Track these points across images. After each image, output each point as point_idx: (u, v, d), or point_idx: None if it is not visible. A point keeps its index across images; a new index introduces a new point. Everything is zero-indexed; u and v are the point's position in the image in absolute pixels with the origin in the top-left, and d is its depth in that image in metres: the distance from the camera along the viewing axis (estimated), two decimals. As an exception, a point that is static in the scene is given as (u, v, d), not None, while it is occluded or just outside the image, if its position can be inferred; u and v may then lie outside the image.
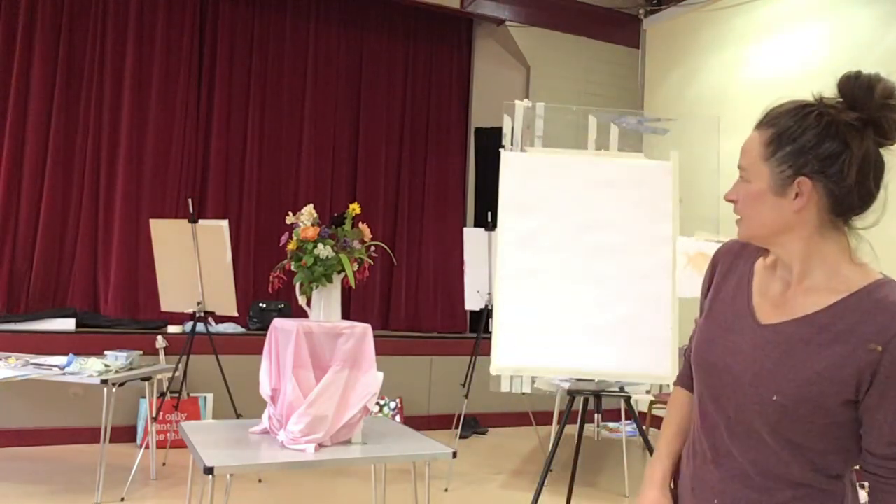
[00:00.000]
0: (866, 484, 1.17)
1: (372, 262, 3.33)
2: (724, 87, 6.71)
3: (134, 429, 5.45)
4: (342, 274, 3.11)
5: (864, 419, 1.13)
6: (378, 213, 7.06)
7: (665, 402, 6.03)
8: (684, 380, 1.45)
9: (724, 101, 6.66)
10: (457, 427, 5.74)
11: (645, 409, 6.16)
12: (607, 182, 3.48)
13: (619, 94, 7.65)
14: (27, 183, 5.86)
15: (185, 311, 4.67)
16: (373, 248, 3.32)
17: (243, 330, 6.21)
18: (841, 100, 1.17)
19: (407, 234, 7.28)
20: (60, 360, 4.27)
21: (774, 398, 1.14)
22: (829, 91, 1.23)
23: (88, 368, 4.07)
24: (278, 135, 6.79)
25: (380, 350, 3.11)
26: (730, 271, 1.33)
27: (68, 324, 5.55)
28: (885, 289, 1.14)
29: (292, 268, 3.14)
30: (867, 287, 1.15)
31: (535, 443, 6.11)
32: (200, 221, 4.51)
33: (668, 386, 3.53)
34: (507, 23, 7.24)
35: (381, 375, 2.99)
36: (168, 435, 5.27)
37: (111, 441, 4.95)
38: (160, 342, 5.44)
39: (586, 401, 3.36)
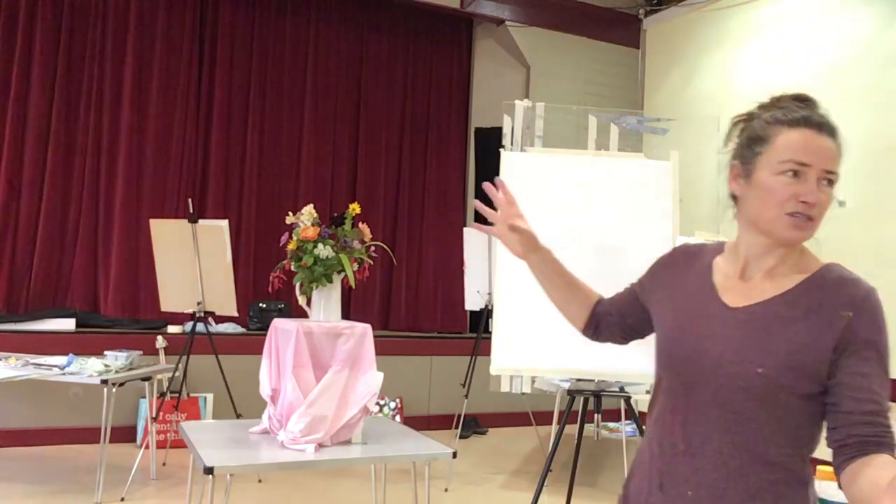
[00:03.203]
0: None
1: (372, 262, 3.33)
2: (723, 87, 6.71)
3: (134, 429, 5.45)
4: (342, 274, 3.11)
5: (839, 380, 1.19)
6: (378, 213, 7.06)
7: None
8: (604, 300, 1.56)
9: (723, 101, 6.66)
10: (457, 427, 5.74)
11: (645, 408, 6.16)
12: (607, 182, 3.48)
13: (619, 94, 7.65)
14: (27, 183, 5.86)
15: (185, 311, 4.67)
16: (373, 248, 3.32)
17: (243, 330, 6.21)
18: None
19: (407, 234, 7.28)
20: (60, 360, 4.27)
21: (759, 370, 1.20)
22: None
23: (88, 368, 4.07)
24: (278, 135, 6.78)
25: (380, 350, 3.11)
26: (688, 269, 1.40)
27: (68, 324, 5.55)
28: (837, 268, 1.28)
29: (292, 268, 3.14)
30: (822, 268, 1.28)
31: (535, 443, 6.11)
32: (200, 221, 4.51)
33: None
34: (507, 23, 7.24)
35: (381, 375, 2.99)
36: (168, 435, 5.27)
37: (111, 441, 4.95)
38: (160, 342, 5.44)
39: (586, 401, 3.37)
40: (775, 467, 1.22)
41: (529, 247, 1.54)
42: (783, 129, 1.25)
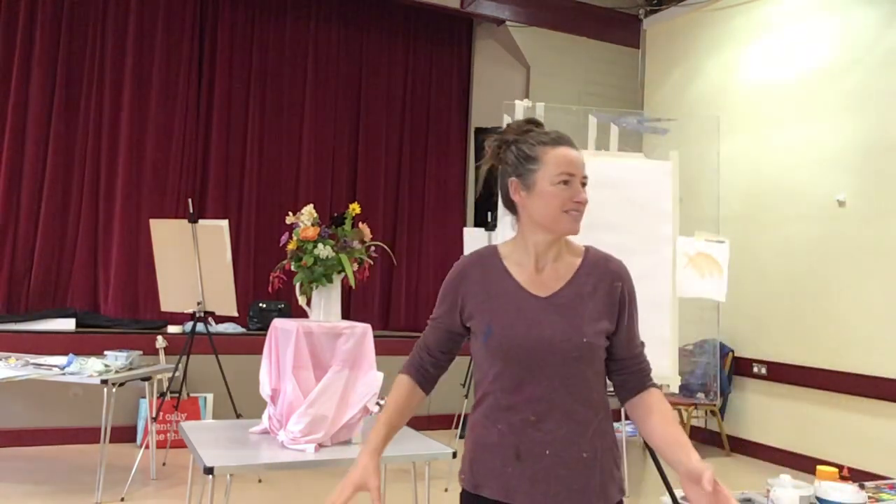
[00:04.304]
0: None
1: (372, 262, 3.33)
2: (724, 87, 6.71)
3: (134, 429, 5.45)
4: (342, 274, 3.11)
5: (619, 334, 1.61)
6: (378, 213, 7.06)
7: (660, 388, 6.03)
8: (413, 370, 1.72)
9: (724, 101, 6.66)
10: (457, 427, 5.74)
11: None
12: (607, 182, 3.48)
13: (619, 94, 7.65)
14: (27, 183, 5.86)
15: (185, 311, 4.67)
16: (373, 248, 3.32)
17: (243, 330, 6.21)
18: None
19: (407, 234, 7.28)
20: (60, 360, 4.27)
21: (585, 340, 1.55)
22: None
23: (88, 368, 4.07)
24: (278, 135, 6.78)
25: (380, 350, 3.11)
26: (484, 276, 1.64)
27: (68, 324, 5.55)
28: (595, 249, 1.67)
29: (292, 268, 3.14)
30: (587, 250, 1.66)
31: (535, 443, 6.10)
32: (200, 221, 4.51)
33: (668, 385, 3.52)
34: (507, 23, 7.24)
35: (381, 375, 2.99)
36: (168, 435, 5.27)
37: (111, 441, 4.95)
38: (160, 342, 5.44)
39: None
40: (600, 409, 1.59)
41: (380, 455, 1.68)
42: (548, 149, 1.58)
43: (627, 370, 1.63)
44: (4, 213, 5.78)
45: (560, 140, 1.60)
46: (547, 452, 1.54)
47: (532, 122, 1.65)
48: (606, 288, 1.61)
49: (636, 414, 1.62)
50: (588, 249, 1.66)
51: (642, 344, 1.67)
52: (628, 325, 1.63)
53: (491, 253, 1.67)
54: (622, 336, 1.62)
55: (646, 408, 1.60)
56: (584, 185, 1.59)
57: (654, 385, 1.65)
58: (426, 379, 1.72)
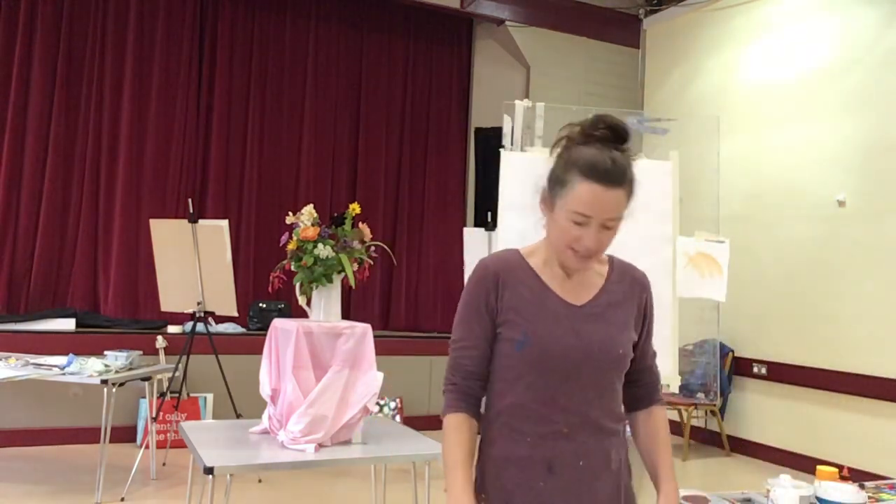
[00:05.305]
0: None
1: (372, 262, 3.33)
2: (724, 87, 6.71)
3: (134, 429, 5.45)
4: (342, 274, 3.11)
5: (639, 344, 1.61)
6: (378, 213, 7.06)
7: (665, 403, 6.04)
8: (465, 405, 1.53)
9: (724, 101, 6.66)
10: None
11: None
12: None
13: (619, 94, 7.65)
14: (27, 183, 5.86)
15: (185, 311, 4.67)
16: (373, 248, 3.32)
17: (243, 330, 6.21)
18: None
19: (407, 233, 7.28)
20: (60, 360, 4.27)
21: (620, 351, 1.52)
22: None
23: (88, 368, 4.07)
24: (278, 135, 6.78)
25: (380, 350, 3.11)
26: (513, 282, 1.54)
27: (68, 324, 5.55)
28: (618, 259, 1.64)
29: (292, 268, 3.15)
30: (611, 260, 1.62)
31: (535, 443, 6.10)
32: (200, 221, 4.51)
33: (668, 385, 3.52)
34: (507, 23, 7.24)
35: (381, 375, 2.99)
36: (168, 435, 5.27)
37: (111, 441, 4.95)
38: (160, 342, 5.44)
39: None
40: (621, 418, 1.58)
41: None
42: (577, 179, 1.41)
43: (640, 381, 1.65)
44: (4, 213, 5.78)
45: (593, 172, 1.40)
46: (581, 464, 1.50)
47: (604, 126, 1.44)
48: (634, 297, 1.59)
49: (637, 428, 1.66)
50: (611, 258, 1.63)
51: (655, 354, 1.68)
52: (647, 335, 1.63)
53: (516, 257, 1.57)
54: (641, 346, 1.62)
55: (647, 428, 1.64)
56: (609, 227, 1.44)
57: (660, 400, 1.67)
58: (479, 405, 1.58)
